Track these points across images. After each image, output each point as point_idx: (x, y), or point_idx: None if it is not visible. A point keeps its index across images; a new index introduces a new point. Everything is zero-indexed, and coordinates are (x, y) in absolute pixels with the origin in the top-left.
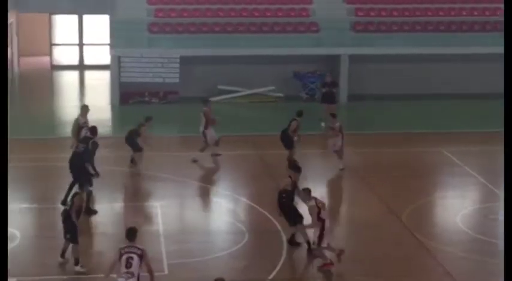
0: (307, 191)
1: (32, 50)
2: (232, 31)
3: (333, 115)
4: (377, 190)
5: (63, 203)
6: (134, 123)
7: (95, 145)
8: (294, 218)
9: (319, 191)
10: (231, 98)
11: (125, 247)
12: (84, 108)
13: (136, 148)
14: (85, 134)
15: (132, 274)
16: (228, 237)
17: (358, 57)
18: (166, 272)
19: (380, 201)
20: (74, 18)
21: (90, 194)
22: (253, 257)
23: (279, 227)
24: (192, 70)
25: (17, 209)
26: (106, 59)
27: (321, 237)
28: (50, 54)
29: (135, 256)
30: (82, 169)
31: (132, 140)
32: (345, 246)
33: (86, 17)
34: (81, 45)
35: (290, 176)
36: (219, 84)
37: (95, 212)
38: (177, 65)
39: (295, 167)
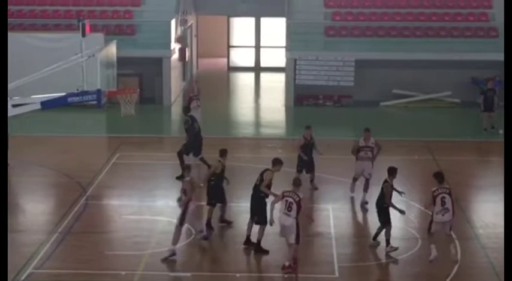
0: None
1: (210, 52)
2: (409, 35)
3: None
4: None
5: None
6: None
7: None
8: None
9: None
10: (407, 102)
11: (438, 188)
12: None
13: None
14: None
15: (447, 210)
16: (401, 243)
17: None
18: (336, 274)
19: None
20: (251, 20)
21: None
22: (426, 265)
23: (453, 235)
24: (367, 74)
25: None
26: (282, 62)
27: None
28: (227, 56)
29: (446, 196)
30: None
31: None
32: None
33: (263, 20)
34: (257, 47)
35: (219, 160)
36: (394, 88)
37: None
38: (352, 69)
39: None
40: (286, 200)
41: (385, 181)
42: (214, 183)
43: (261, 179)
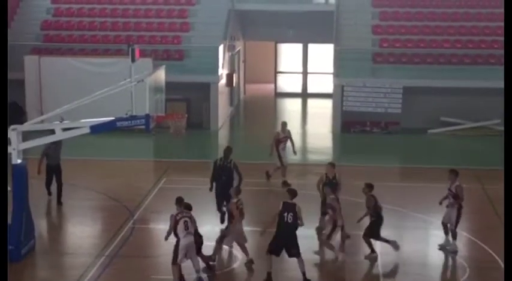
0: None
1: (257, 77)
2: (458, 62)
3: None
4: None
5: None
6: (354, 152)
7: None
8: None
9: None
10: (455, 130)
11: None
12: (284, 124)
13: None
14: (283, 147)
15: None
16: (448, 272)
17: None
18: None
19: None
20: (299, 46)
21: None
22: None
23: (502, 264)
24: (415, 101)
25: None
26: (329, 88)
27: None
28: (275, 81)
29: None
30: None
31: None
32: None
33: (310, 46)
34: (305, 73)
35: None
36: (442, 115)
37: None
38: (400, 96)
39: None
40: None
41: None
42: None
43: (294, 215)
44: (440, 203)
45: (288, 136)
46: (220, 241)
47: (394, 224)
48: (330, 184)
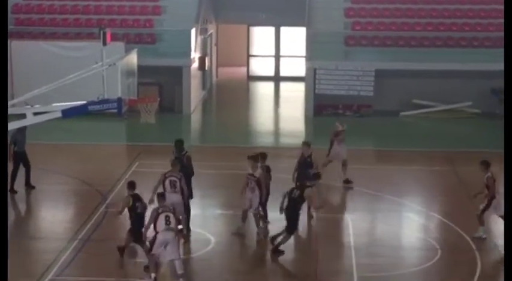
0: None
1: (230, 61)
2: (429, 45)
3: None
4: None
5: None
6: (327, 135)
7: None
8: None
9: None
10: (427, 112)
11: None
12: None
13: None
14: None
15: None
16: (420, 253)
17: None
18: None
19: None
20: (271, 30)
21: None
22: (446, 275)
23: (473, 246)
24: (387, 84)
25: (213, 215)
26: (301, 71)
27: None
28: (247, 65)
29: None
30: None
31: None
32: None
33: (283, 29)
34: (277, 56)
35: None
36: (414, 98)
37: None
38: (372, 78)
39: None
40: (166, 216)
41: None
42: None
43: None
44: (475, 196)
45: (344, 130)
46: None
47: (367, 207)
48: (305, 163)
